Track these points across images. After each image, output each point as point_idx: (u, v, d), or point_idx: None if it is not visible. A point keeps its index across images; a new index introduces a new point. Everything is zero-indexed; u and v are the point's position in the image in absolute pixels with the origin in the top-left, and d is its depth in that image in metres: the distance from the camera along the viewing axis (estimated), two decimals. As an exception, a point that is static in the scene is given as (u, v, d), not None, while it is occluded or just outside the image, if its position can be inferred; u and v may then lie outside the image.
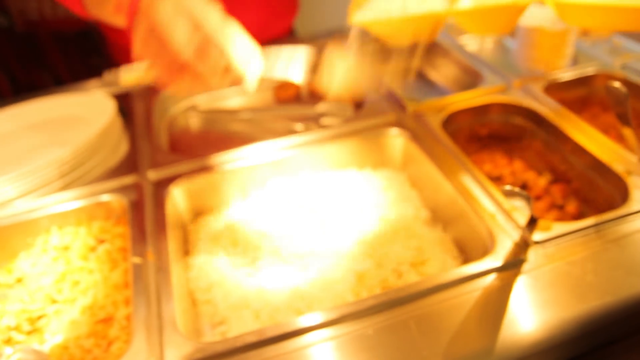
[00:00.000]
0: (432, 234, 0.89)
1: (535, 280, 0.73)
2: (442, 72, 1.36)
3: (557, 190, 0.99)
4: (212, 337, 0.81)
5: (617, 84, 0.80)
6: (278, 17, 1.47)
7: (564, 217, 0.96)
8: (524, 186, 1.00)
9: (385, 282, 0.80)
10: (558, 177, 1.04)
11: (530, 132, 1.08)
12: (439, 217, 0.94)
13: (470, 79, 1.23)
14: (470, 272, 0.73)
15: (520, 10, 0.99)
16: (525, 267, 0.75)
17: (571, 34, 1.17)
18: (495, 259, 0.75)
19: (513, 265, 0.75)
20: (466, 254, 0.87)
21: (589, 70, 1.16)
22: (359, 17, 0.99)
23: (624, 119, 0.83)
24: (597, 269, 0.73)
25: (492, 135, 1.12)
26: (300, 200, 0.96)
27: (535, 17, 1.19)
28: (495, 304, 0.70)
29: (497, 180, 1.02)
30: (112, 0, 0.81)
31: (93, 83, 1.38)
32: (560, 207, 0.97)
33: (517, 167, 1.07)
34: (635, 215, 0.81)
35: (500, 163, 1.09)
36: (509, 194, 0.72)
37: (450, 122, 1.08)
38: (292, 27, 1.57)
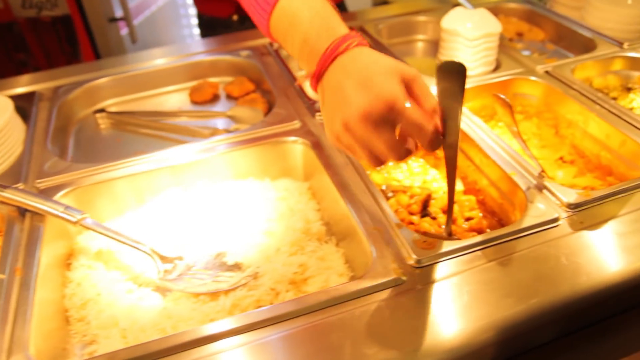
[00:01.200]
0: (322, 250, 0.84)
1: (410, 302, 0.69)
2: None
3: (464, 203, 0.95)
4: (80, 358, 0.76)
5: (502, 96, 0.76)
6: None
7: (467, 231, 0.92)
8: (429, 197, 0.95)
9: (259, 302, 0.76)
10: (468, 189, 1.00)
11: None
12: (334, 231, 0.89)
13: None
14: (341, 293, 0.69)
15: None
16: (403, 287, 0.71)
17: (493, 38, 1.13)
18: (373, 279, 0.71)
19: (390, 286, 0.70)
20: (355, 272, 0.83)
21: (506, 75, 1.12)
22: None
23: (513, 132, 0.79)
24: (475, 290, 0.69)
25: (406, 143, 1.08)
26: (191, 213, 0.92)
27: (457, 19, 1.15)
28: (364, 328, 0.66)
29: (405, 191, 0.98)
30: (294, 51, 0.72)
31: (24, 79, 1.32)
32: (467, 220, 0.93)
33: (430, 177, 1.03)
34: (524, 232, 0.77)
35: (414, 172, 1.05)
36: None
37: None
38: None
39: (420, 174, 1.04)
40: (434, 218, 0.92)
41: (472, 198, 0.96)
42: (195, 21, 2.17)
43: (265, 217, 0.88)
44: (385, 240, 0.77)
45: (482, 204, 0.96)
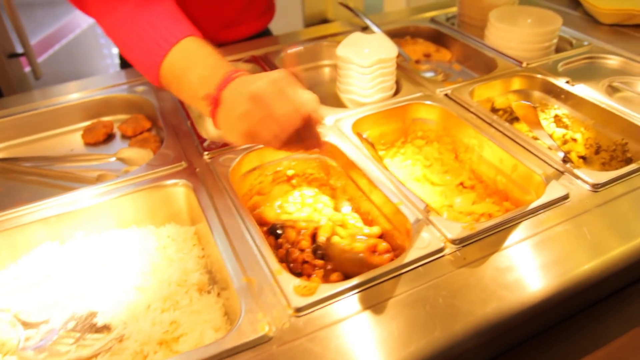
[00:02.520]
0: (200, 302, 0.79)
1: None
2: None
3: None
4: None
5: (364, 135, 0.73)
6: (254, 17, 1.48)
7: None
8: (317, 229, 0.92)
9: (123, 368, 0.70)
10: (366, 221, 0.96)
11: (336, 171, 1.01)
12: (217, 280, 0.84)
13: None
14: (200, 357, 0.64)
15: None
16: (271, 344, 0.66)
17: (389, 64, 1.11)
18: (236, 338, 0.66)
19: (255, 344, 0.66)
20: (234, 325, 0.77)
21: (404, 101, 1.10)
22: None
23: (381, 165, 0.76)
24: (345, 343, 0.65)
25: (301, 175, 1.04)
26: (66, 268, 0.85)
27: (353, 45, 1.12)
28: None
29: (293, 226, 0.94)
30: (190, 88, 0.83)
31: None
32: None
33: (320, 205, 1.00)
34: (406, 267, 0.74)
35: (305, 203, 1.02)
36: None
37: (249, 166, 0.99)
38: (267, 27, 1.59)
39: (311, 205, 1.01)
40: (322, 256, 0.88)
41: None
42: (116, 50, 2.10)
43: (139, 270, 0.83)
44: (259, 290, 0.72)
45: (383, 237, 0.92)
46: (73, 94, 1.26)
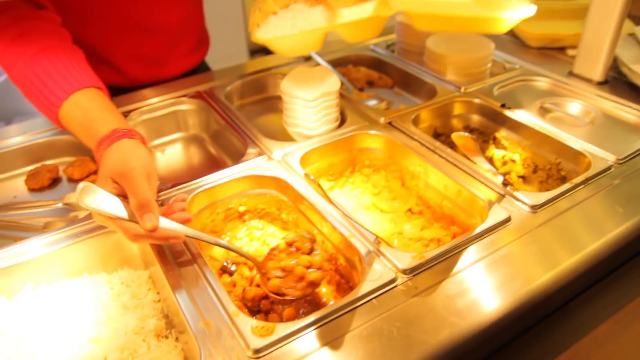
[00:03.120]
0: (159, 348, 0.79)
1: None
2: (219, 143, 1.28)
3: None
4: None
5: (312, 177, 0.75)
6: (184, 53, 1.46)
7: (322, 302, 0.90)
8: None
9: None
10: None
11: (287, 205, 1.02)
12: (175, 323, 0.84)
13: (242, 148, 1.16)
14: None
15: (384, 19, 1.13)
16: (232, 390, 0.66)
17: (332, 97, 1.13)
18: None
19: (216, 391, 0.66)
20: (193, 369, 0.78)
21: (349, 131, 1.13)
22: (259, 35, 1.05)
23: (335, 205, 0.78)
24: (304, 383, 0.66)
25: (252, 211, 1.05)
26: (15, 325, 0.83)
27: (297, 79, 1.14)
28: None
29: (245, 262, 0.94)
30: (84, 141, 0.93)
31: None
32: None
33: (270, 238, 1.01)
34: (361, 300, 0.75)
35: (254, 236, 1.03)
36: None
37: (200, 206, 0.99)
38: (203, 61, 1.59)
39: (259, 238, 1.02)
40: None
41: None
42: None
43: (93, 320, 0.82)
44: (217, 333, 0.72)
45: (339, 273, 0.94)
46: (14, 138, 1.23)
